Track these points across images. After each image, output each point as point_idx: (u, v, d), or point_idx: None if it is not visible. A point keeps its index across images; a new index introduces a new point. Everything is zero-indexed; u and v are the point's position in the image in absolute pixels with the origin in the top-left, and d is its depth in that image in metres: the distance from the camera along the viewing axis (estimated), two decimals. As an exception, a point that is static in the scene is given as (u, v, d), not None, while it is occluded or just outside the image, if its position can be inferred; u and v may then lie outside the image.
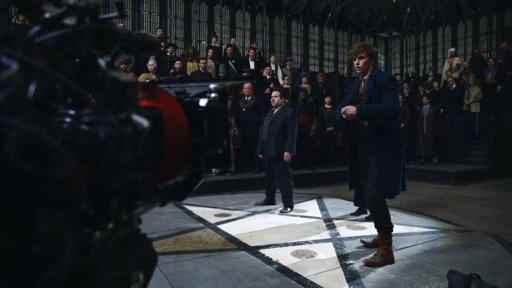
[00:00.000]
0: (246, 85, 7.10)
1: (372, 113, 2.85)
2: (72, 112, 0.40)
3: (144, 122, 0.44)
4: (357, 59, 3.00)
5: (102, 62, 0.50)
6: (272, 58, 10.03)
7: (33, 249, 0.34)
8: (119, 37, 0.54)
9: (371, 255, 3.02)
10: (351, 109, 2.85)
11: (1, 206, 0.32)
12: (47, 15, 0.46)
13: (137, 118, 0.44)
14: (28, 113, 0.35)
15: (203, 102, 0.61)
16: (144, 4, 10.39)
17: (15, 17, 7.64)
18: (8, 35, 0.42)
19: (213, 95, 0.62)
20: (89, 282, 0.42)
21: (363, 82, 3.07)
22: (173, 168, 0.62)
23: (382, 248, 2.97)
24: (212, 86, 0.64)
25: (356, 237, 3.65)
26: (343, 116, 2.91)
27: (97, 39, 0.51)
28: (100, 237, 0.42)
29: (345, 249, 3.35)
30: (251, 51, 9.64)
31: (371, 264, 2.90)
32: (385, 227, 3.00)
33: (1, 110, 0.32)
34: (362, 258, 3.05)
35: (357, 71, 3.10)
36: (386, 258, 2.94)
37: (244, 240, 3.60)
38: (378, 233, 3.08)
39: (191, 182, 0.64)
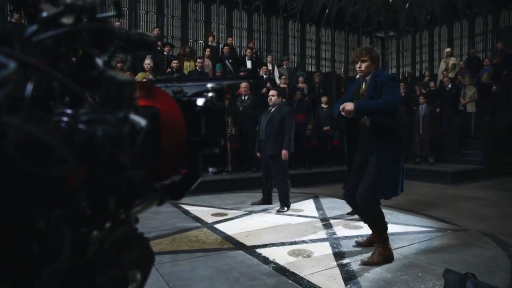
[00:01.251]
0: (243, 84, 7.10)
1: (370, 108, 2.85)
2: (69, 111, 0.40)
3: (142, 121, 0.44)
4: (359, 62, 3.01)
5: (99, 61, 0.50)
6: (269, 58, 10.02)
7: (31, 248, 0.34)
8: (117, 36, 0.54)
9: (369, 254, 3.03)
10: (349, 106, 2.84)
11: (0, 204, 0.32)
12: (44, 14, 0.45)
13: (135, 117, 0.44)
14: (26, 112, 0.35)
15: (200, 101, 0.61)
16: (141, 3, 10.36)
17: (10, 15, 7.59)
18: (5, 34, 0.42)
19: (210, 94, 0.62)
20: (87, 281, 0.42)
21: (364, 83, 3.08)
22: (171, 167, 0.62)
23: (379, 247, 2.97)
24: (209, 85, 0.64)
25: (353, 237, 3.66)
26: (342, 113, 2.90)
27: (95, 38, 0.51)
28: (97, 236, 0.42)
29: (342, 248, 3.35)
30: (248, 50, 9.64)
31: (369, 264, 2.90)
32: (379, 226, 3.00)
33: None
34: (359, 257, 3.06)
35: (359, 74, 3.11)
36: (384, 256, 2.94)
37: (241, 240, 3.60)
38: (373, 232, 3.08)
39: (188, 181, 0.64)
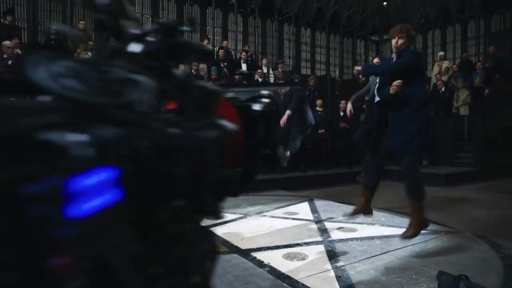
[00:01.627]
0: (240, 86, 7.15)
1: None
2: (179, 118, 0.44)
3: (230, 125, 0.48)
4: (396, 38, 3.09)
5: (179, 72, 0.54)
6: (264, 61, 10.06)
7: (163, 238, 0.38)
8: (193, 48, 0.57)
9: (365, 257, 3.04)
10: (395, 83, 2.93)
11: (141, 198, 0.35)
12: (137, 31, 0.49)
13: (224, 122, 0.47)
14: (162, 118, 0.39)
15: (258, 106, 0.66)
16: (136, 6, 10.36)
17: (3, 17, 7.56)
18: (115, 50, 0.48)
19: (266, 100, 0.66)
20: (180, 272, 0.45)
21: (394, 59, 3.19)
22: (229, 168, 0.65)
23: (414, 216, 3.11)
24: (264, 91, 0.68)
25: (347, 239, 3.67)
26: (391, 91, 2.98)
27: (171, 50, 0.54)
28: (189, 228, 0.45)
29: (336, 251, 3.36)
30: (243, 53, 9.66)
31: (409, 237, 3.06)
32: (421, 191, 3.12)
33: (147, 117, 0.37)
34: (354, 260, 3.07)
35: (394, 50, 3.18)
36: (419, 227, 3.11)
37: (236, 243, 3.59)
38: (413, 200, 3.15)
39: (244, 180, 0.68)
